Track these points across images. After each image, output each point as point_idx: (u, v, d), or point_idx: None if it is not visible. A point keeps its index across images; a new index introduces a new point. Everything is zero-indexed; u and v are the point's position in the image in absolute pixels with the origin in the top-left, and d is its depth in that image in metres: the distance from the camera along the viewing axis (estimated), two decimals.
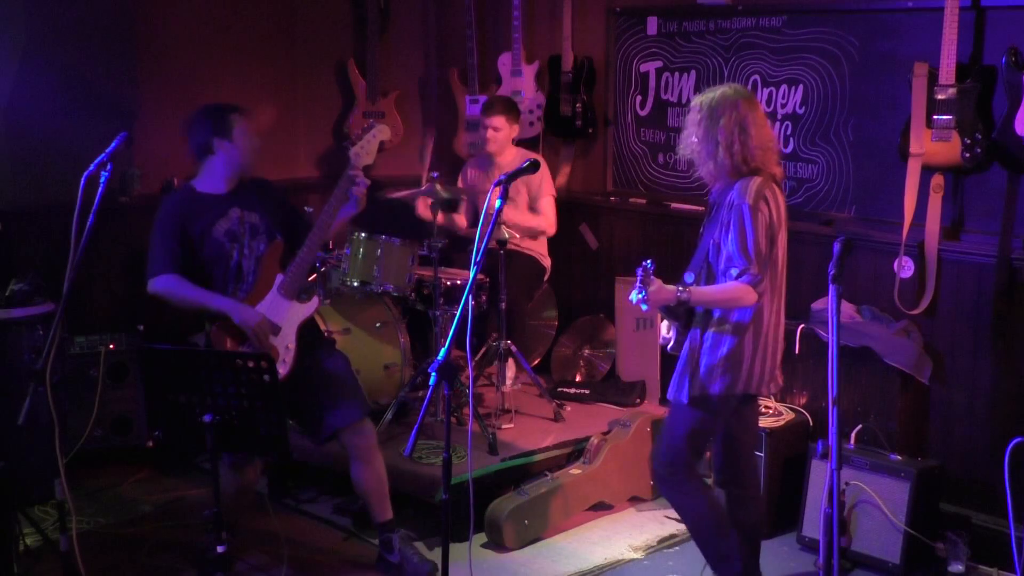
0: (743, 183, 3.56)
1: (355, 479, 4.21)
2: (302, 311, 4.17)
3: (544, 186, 5.68)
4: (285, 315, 4.13)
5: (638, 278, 3.43)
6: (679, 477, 3.75)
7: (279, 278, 4.16)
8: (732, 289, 3.53)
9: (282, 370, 4.06)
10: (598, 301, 6.00)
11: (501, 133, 5.60)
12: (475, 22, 6.36)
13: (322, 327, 4.84)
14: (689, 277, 3.63)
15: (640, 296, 3.44)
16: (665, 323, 3.81)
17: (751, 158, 3.57)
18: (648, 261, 3.48)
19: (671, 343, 3.78)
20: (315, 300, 4.24)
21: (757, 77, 5.28)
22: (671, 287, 3.49)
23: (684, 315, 3.71)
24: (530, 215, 5.64)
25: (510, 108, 5.66)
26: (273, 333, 4.10)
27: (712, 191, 3.75)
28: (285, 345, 4.12)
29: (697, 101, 3.67)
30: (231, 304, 4.08)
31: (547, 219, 5.69)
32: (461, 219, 5.86)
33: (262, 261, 4.19)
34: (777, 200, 3.61)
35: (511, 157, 5.61)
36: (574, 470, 4.83)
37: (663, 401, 3.92)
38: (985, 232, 4.54)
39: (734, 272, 3.53)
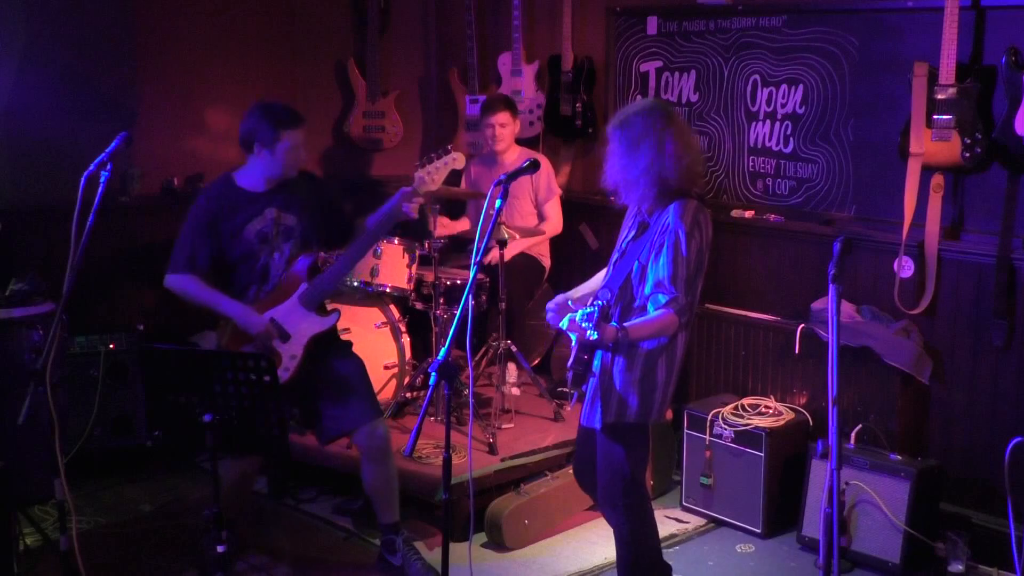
0: (678, 207, 3.41)
1: (364, 479, 4.22)
2: (317, 324, 4.15)
3: (550, 187, 5.70)
4: (299, 324, 4.12)
5: (593, 318, 3.26)
6: (630, 500, 3.60)
7: (302, 286, 4.14)
8: (661, 320, 3.37)
9: (283, 375, 4.05)
10: None
11: (507, 129, 5.62)
12: (475, 22, 6.36)
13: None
14: (604, 294, 3.49)
15: (595, 337, 3.28)
16: (555, 302, 3.62)
17: (675, 179, 3.43)
18: (603, 300, 3.38)
19: (570, 360, 3.53)
20: (334, 316, 4.21)
21: (757, 77, 5.28)
22: (612, 327, 3.33)
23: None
24: (535, 227, 5.63)
25: (511, 104, 5.70)
26: (281, 339, 4.10)
27: (638, 211, 3.59)
28: (291, 354, 4.11)
29: (616, 122, 3.51)
30: (238, 310, 4.10)
31: (552, 222, 5.72)
32: (463, 223, 5.89)
33: (290, 264, 4.18)
34: (709, 225, 3.48)
35: (515, 156, 5.62)
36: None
37: (574, 407, 3.84)
38: (985, 232, 4.54)
39: (662, 299, 3.38)
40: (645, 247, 3.46)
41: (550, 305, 3.60)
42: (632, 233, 3.58)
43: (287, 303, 4.14)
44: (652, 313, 3.41)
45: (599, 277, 3.76)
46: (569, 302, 3.61)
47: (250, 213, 4.14)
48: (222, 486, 3.73)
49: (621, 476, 3.58)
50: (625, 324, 3.37)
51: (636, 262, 3.48)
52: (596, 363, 3.54)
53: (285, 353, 4.11)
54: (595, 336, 3.27)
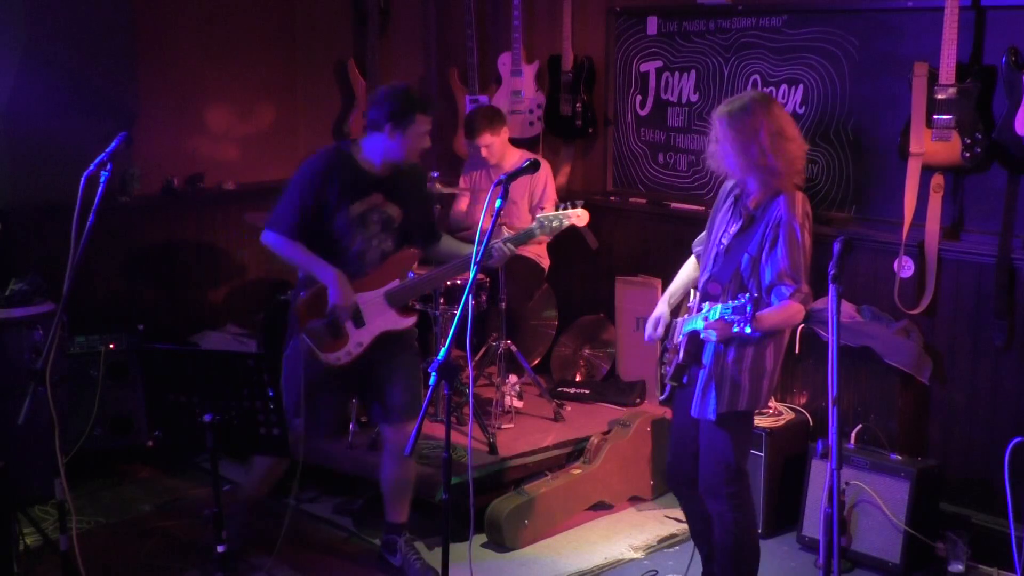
0: (787, 200, 3.48)
1: (383, 474, 4.25)
2: (394, 322, 4.15)
3: (547, 193, 5.68)
4: (377, 317, 4.12)
5: (745, 312, 3.18)
6: (733, 489, 3.65)
7: (394, 282, 4.14)
8: (792, 311, 3.44)
9: (343, 359, 4.09)
10: (598, 301, 6.00)
11: (494, 146, 5.56)
12: (475, 22, 6.36)
13: None
14: (713, 288, 3.53)
15: (748, 331, 3.21)
16: (656, 318, 3.76)
17: (781, 172, 3.48)
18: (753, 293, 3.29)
19: (679, 354, 3.63)
20: (413, 318, 4.21)
21: (757, 77, 5.28)
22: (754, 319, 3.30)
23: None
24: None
25: (492, 119, 5.55)
26: (355, 323, 4.10)
27: (736, 203, 3.63)
28: (358, 340, 4.11)
29: (725, 112, 3.50)
30: (333, 277, 4.04)
31: None
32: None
33: (387, 259, 4.17)
34: (812, 216, 3.58)
35: (514, 159, 5.61)
36: (574, 470, 4.84)
37: (664, 401, 3.89)
38: (985, 232, 4.54)
39: (785, 291, 3.44)
40: (754, 240, 3.51)
41: (659, 317, 3.73)
42: (736, 227, 3.59)
43: (373, 293, 4.12)
44: (777, 304, 3.46)
45: (684, 277, 3.84)
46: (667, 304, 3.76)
47: (357, 192, 4.08)
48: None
49: (725, 465, 3.63)
50: (758, 315, 3.30)
51: (746, 255, 3.51)
52: (708, 355, 3.58)
53: (353, 338, 4.11)
54: (749, 330, 3.23)
